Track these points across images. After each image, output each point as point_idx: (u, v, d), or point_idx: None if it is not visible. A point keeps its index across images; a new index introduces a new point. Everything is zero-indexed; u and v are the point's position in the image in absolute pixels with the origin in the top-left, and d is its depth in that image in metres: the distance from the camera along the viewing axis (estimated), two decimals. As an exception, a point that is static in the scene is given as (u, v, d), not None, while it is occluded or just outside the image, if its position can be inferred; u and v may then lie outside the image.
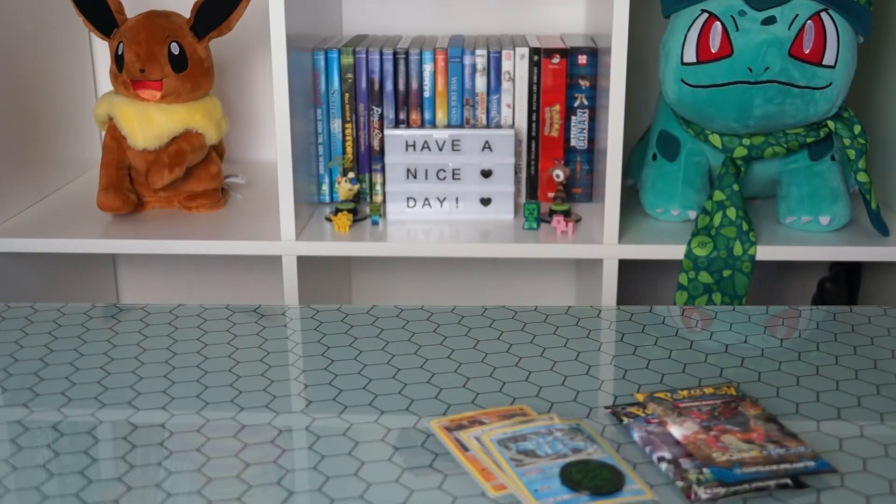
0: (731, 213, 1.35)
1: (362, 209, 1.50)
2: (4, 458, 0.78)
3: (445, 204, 1.45)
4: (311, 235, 1.39)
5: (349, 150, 1.52)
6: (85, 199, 1.56)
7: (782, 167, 1.42)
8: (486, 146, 1.43)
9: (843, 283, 1.56)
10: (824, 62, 1.29)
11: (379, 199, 1.54)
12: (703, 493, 0.71)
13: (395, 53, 1.48)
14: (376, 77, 1.48)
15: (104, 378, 0.92)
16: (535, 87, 1.48)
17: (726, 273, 1.33)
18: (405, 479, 0.75)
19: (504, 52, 1.47)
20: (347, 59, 1.48)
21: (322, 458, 0.78)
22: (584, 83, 1.47)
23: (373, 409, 0.86)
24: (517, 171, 1.52)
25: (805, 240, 1.35)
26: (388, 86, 1.49)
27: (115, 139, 1.46)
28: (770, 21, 1.28)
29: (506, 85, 1.48)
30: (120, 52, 1.43)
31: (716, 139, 1.38)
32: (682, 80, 1.33)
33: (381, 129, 1.50)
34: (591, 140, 1.49)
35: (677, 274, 1.78)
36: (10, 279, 1.46)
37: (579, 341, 0.99)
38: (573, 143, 1.50)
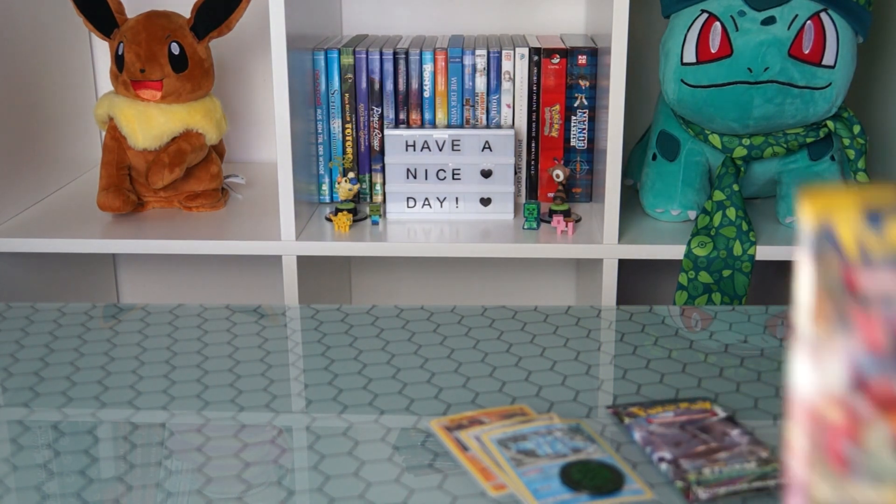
0: (731, 213, 1.35)
1: (362, 209, 1.50)
2: (5, 458, 0.78)
3: (445, 204, 1.45)
4: (311, 235, 1.39)
5: (349, 150, 1.52)
6: (85, 199, 1.56)
7: (782, 167, 1.42)
8: (486, 146, 1.43)
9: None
10: (824, 62, 1.29)
11: (379, 199, 1.54)
12: (702, 493, 0.71)
13: (395, 53, 1.48)
14: (376, 77, 1.49)
15: (104, 378, 0.92)
16: (534, 87, 1.48)
17: (726, 273, 1.33)
18: (405, 479, 0.75)
19: (504, 52, 1.47)
20: (347, 59, 1.48)
21: (322, 457, 0.78)
22: (583, 83, 1.47)
23: (373, 409, 0.86)
24: (517, 171, 1.52)
25: (805, 240, 1.35)
26: (388, 86, 1.49)
27: (115, 139, 1.46)
28: (770, 21, 1.28)
29: (506, 85, 1.48)
30: (120, 52, 1.43)
31: (715, 139, 1.38)
32: (682, 80, 1.33)
33: (381, 129, 1.50)
34: (591, 140, 1.49)
35: (677, 274, 1.78)
36: (10, 279, 1.46)
37: (579, 341, 1.00)
38: (573, 143, 1.50)
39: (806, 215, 0.38)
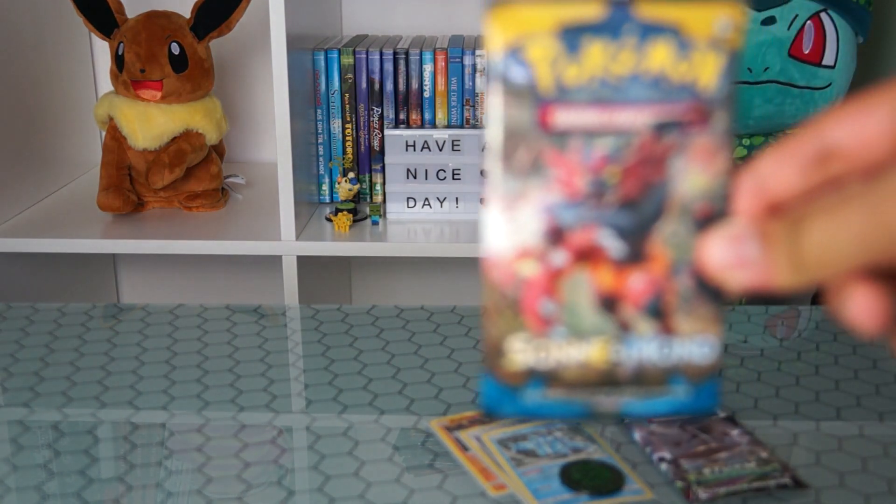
0: (731, 212, 1.35)
1: (362, 209, 1.50)
2: (5, 458, 0.78)
3: (445, 204, 1.45)
4: (311, 235, 1.39)
5: (349, 150, 1.52)
6: (85, 199, 1.56)
7: (782, 167, 1.43)
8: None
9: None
10: (824, 62, 1.29)
11: (379, 199, 1.54)
12: (702, 494, 0.71)
13: (395, 53, 1.48)
14: (376, 77, 1.49)
15: (104, 378, 0.92)
16: (534, 88, 1.48)
17: (726, 273, 1.33)
18: (405, 479, 0.75)
19: (504, 53, 1.47)
20: (347, 59, 1.48)
21: (322, 458, 0.78)
22: (583, 83, 1.47)
23: (373, 409, 0.86)
24: (517, 171, 1.52)
25: (805, 240, 1.35)
26: (388, 86, 1.49)
27: (115, 139, 1.46)
28: (770, 21, 1.28)
29: (506, 85, 1.48)
30: (120, 53, 1.43)
31: (715, 139, 1.39)
32: (682, 81, 1.33)
33: (381, 129, 1.50)
34: (591, 140, 1.49)
35: (677, 274, 1.77)
36: (10, 279, 1.46)
37: (579, 341, 0.99)
38: (573, 143, 1.50)
39: (491, 37, 0.32)
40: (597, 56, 0.33)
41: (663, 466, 0.75)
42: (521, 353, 0.35)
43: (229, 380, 0.91)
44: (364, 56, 1.48)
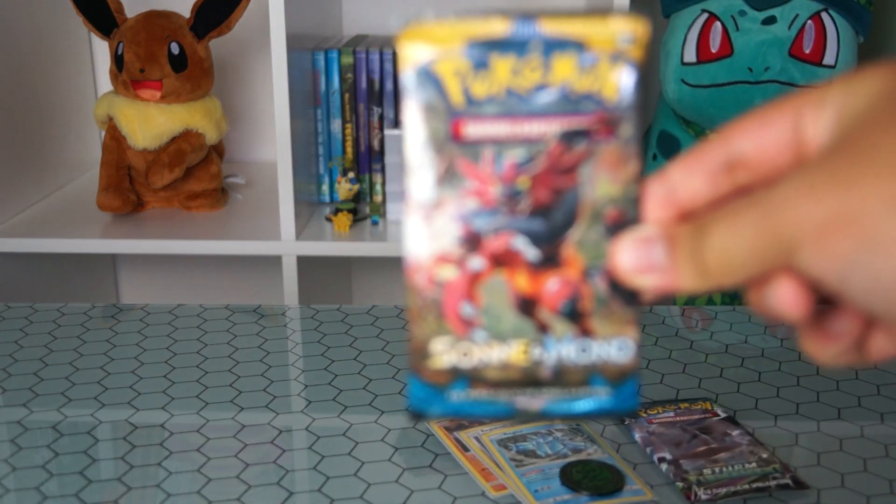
0: (731, 212, 1.35)
1: (362, 209, 1.50)
2: (4, 458, 0.78)
3: (445, 204, 1.45)
4: (311, 235, 1.39)
5: (349, 150, 1.52)
6: (85, 199, 1.56)
7: (782, 167, 1.42)
8: (486, 146, 1.43)
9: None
10: (824, 62, 1.29)
11: (379, 199, 1.54)
12: (702, 494, 0.71)
13: (395, 53, 1.48)
14: (376, 77, 1.48)
15: (104, 378, 0.92)
16: (535, 87, 1.48)
17: (726, 273, 1.33)
18: (405, 479, 0.75)
19: (504, 52, 1.47)
20: (347, 59, 1.48)
21: (322, 458, 0.78)
22: (584, 83, 1.47)
23: (373, 409, 0.86)
24: (517, 171, 1.52)
25: (805, 240, 1.35)
26: (388, 86, 1.49)
27: (115, 139, 1.46)
28: (770, 21, 1.28)
29: (506, 85, 1.48)
30: (120, 52, 1.43)
31: (716, 139, 1.39)
32: (683, 80, 1.33)
33: (381, 129, 1.50)
34: (592, 140, 1.49)
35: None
36: (10, 279, 1.45)
37: (579, 341, 0.99)
38: (573, 142, 1.50)
39: (403, 55, 0.34)
40: (504, 70, 0.34)
41: (664, 467, 0.75)
42: (445, 354, 0.36)
43: (229, 380, 0.91)
44: (364, 56, 1.48)
